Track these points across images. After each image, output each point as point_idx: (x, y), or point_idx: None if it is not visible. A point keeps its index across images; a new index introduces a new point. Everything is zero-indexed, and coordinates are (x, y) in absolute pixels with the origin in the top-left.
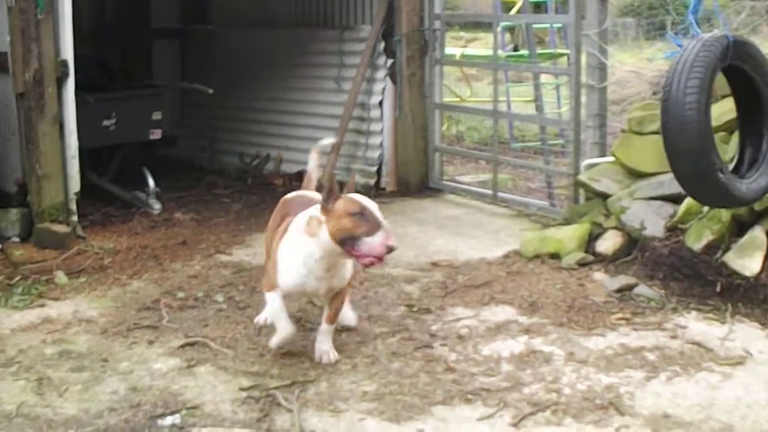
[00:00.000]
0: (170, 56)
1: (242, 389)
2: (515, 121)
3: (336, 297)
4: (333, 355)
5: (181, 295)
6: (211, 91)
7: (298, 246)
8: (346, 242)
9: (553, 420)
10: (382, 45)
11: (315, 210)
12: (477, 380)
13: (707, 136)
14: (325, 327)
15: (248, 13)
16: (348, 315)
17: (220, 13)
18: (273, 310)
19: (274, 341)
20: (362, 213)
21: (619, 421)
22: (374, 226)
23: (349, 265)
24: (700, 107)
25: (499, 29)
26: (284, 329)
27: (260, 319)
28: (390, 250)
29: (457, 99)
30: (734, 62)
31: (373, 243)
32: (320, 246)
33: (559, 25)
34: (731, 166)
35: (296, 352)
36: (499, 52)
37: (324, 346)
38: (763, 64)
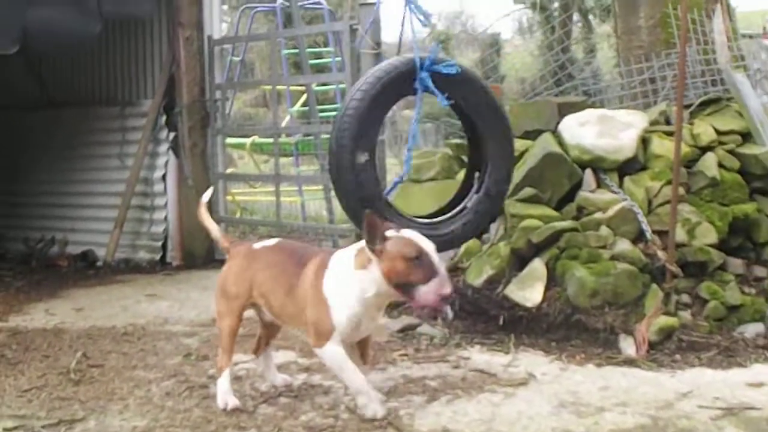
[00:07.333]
0: None
1: (6, 429)
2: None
3: (367, 338)
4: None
5: None
6: None
7: (350, 280)
8: (401, 287)
9: None
10: (163, 118)
11: (359, 246)
12: (254, 412)
13: (365, 173)
14: (366, 369)
15: (28, 95)
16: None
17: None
18: (339, 363)
19: (370, 407)
20: (419, 257)
21: None
22: (429, 274)
23: None
24: (351, 135)
25: (288, 117)
26: (366, 385)
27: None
28: (445, 299)
29: (252, 188)
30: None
31: (427, 292)
32: (374, 282)
33: (344, 85)
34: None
35: (66, 397)
36: (291, 138)
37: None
38: (463, 86)
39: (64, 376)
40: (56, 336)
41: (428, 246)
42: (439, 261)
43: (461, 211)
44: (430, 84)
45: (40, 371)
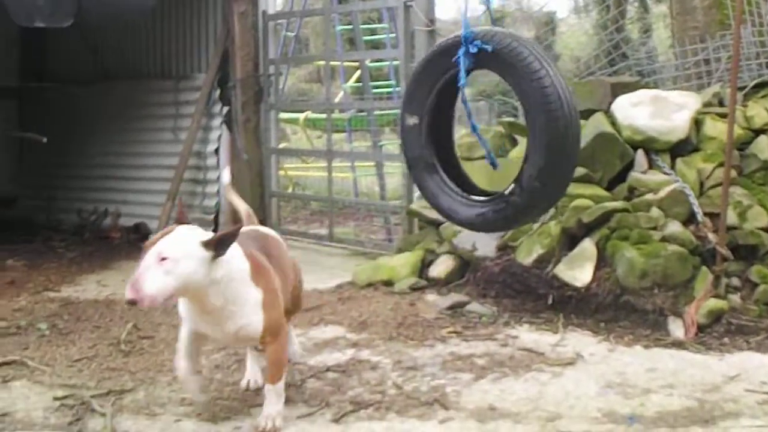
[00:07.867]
0: (8, 115)
1: (56, 399)
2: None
3: (266, 349)
4: (279, 421)
5: (2, 324)
6: (44, 139)
7: None
8: None
9: (376, 416)
10: (217, 92)
11: None
12: (301, 386)
13: (412, 136)
14: (267, 387)
15: (83, 67)
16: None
17: (56, 70)
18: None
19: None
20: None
21: (443, 415)
22: None
23: (249, 310)
24: (404, 98)
25: (341, 93)
26: (181, 369)
27: None
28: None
29: (305, 163)
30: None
31: None
32: None
33: (398, 61)
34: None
35: (116, 368)
36: (344, 114)
37: (269, 408)
38: (511, 65)
39: (114, 347)
40: (107, 307)
41: (161, 245)
42: (148, 262)
43: (494, 196)
44: (463, 60)
45: (91, 342)
